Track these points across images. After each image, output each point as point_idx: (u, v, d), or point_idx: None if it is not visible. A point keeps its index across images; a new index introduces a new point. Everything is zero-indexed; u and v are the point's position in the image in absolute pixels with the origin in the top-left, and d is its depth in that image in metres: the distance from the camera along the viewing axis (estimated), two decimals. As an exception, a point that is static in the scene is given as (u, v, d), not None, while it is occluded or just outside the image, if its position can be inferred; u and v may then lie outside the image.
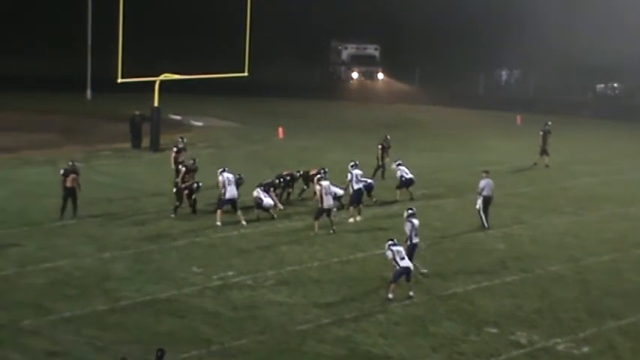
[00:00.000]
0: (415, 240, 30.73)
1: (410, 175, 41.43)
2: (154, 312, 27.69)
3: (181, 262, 32.17)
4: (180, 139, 43.77)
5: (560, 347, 26.41)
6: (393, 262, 29.15)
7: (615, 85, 79.44)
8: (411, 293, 29.13)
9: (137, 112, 52.03)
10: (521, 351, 26.12)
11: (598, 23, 77.16)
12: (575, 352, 26.21)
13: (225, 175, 37.04)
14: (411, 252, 30.49)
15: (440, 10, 79.47)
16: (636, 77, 76.65)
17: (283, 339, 26.15)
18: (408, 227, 31.09)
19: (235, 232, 35.80)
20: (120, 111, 55.99)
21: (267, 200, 37.59)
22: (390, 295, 28.95)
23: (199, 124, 61.18)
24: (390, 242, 29.38)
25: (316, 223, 35.94)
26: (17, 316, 26.97)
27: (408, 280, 29.06)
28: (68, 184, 36.54)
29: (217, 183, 37.18)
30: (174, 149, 42.38)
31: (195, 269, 31.45)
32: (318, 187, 36.17)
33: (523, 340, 26.74)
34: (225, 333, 26.34)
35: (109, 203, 39.38)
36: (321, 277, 31.20)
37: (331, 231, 35.82)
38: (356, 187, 38.31)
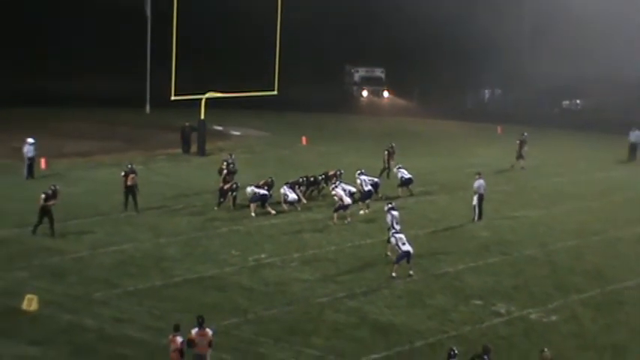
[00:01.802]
0: (397, 227, 30.79)
1: (409, 175, 41.40)
2: (200, 287, 27.76)
3: (223, 246, 32.22)
4: (229, 155, 42.66)
5: (533, 316, 26.38)
6: (396, 247, 29.20)
7: (578, 101, 79.03)
8: (411, 272, 29.15)
9: (187, 124, 52.02)
10: (501, 319, 26.12)
11: (562, 49, 76.86)
12: (545, 320, 26.19)
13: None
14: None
15: (434, 39, 79.23)
16: (596, 94, 76.30)
17: (306, 309, 26.18)
18: (388, 218, 31.49)
19: (267, 222, 35.81)
20: (173, 122, 55.99)
21: (292, 195, 37.57)
22: (394, 274, 28.98)
23: (237, 133, 61.15)
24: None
25: (335, 215, 35.99)
26: (90, 289, 27.11)
27: (408, 262, 29.10)
28: (128, 183, 36.49)
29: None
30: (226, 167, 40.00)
31: (234, 252, 31.50)
32: (337, 191, 36.32)
33: (502, 311, 26.73)
34: (259, 304, 26.39)
35: (163, 198, 39.44)
36: (337, 259, 31.21)
37: (346, 221, 35.85)
38: (367, 188, 38.30)
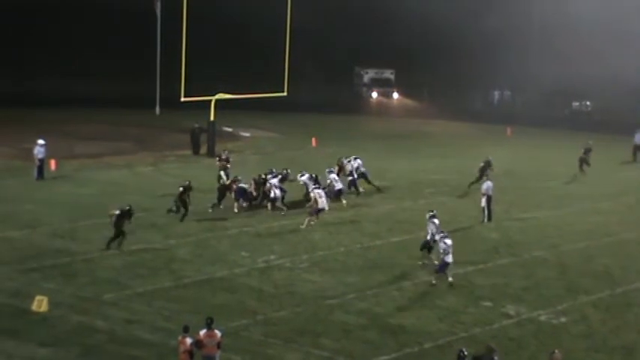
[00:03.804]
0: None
1: (362, 170, 41.72)
2: (210, 288, 27.79)
3: (232, 247, 32.24)
4: (223, 151, 43.73)
5: (542, 318, 26.34)
6: (441, 257, 28.54)
7: (587, 103, 78.82)
8: (450, 279, 28.50)
9: (196, 125, 52.08)
10: (510, 321, 26.08)
11: (570, 51, 76.67)
12: (554, 321, 26.14)
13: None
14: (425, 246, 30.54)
15: (443, 41, 79.00)
16: (605, 96, 76.12)
17: (315, 310, 26.18)
18: (431, 227, 30.58)
19: (276, 224, 35.81)
20: (182, 124, 56.06)
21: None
22: (434, 281, 28.48)
23: (247, 134, 61.19)
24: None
25: (307, 220, 35.17)
26: (100, 290, 27.15)
27: (443, 272, 28.53)
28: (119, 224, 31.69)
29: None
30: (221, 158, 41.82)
31: (243, 254, 31.52)
32: (315, 193, 35.74)
33: (512, 312, 26.70)
34: (268, 305, 26.40)
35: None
36: (347, 260, 31.20)
37: (312, 223, 35.17)
38: (338, 186, 38.72)
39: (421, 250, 30.81)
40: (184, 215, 35.31)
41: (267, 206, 37.67)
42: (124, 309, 25.69)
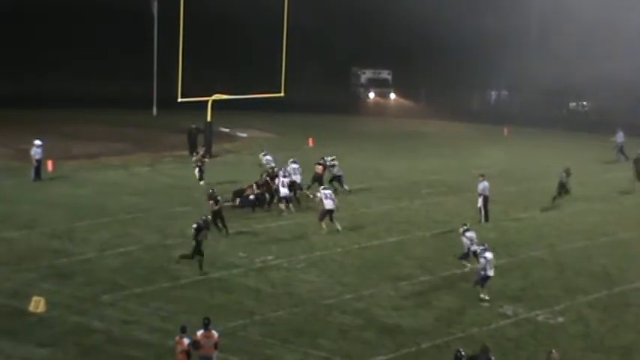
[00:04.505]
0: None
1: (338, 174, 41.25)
2: (207, 289, 27.77)
3: (230, 248, 32.21)
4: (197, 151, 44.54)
5: (540, 318, 26.35)
6: (482, 272, 27.53)
7: (585, 103, 78.80)
8: (487, 297, 27.47)
9: (193, 126, 51.98)
10: (508, 321, 26.10)
11: (567, 51, 76.68)
12: (552, 321, 26.15)
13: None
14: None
15: (440, 41, 78.93)
16: (602, 96, 76.12)
17: (313, 311, 26.18)
18: (465, 242, 29.84)
19: (273, 224, 35.80)
20: (180, 124, 55.99)
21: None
22: (482, 295, 27.45)
23: (244, 135, 61.12)
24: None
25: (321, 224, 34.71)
26: (98, 291, 27.14)
27: (482, 286, 27.64)
28: (199, 239, 29.62)
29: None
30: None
31: (241, 254, 31.50)
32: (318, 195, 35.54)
33: (509, 312, 26.71)
34: (266, 306, 26.40)
35: (170, 200, 39.43)
36: (344, 261, 31.19)
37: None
38: (284, 192, 37.57)
39: (459, 259, 30.51)
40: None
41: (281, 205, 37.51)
42: (122, 309, 25.67)
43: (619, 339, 25.06)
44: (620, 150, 54.22)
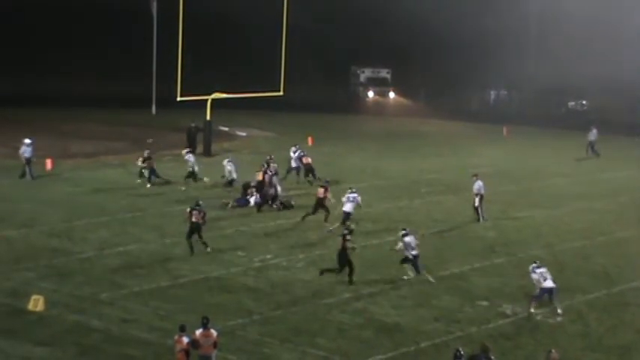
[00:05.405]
0: (414, 252, 28.70)
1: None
2: (206, 287, 27.76)
3: (229, 247, 32.20)
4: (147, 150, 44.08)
5: (539, 317, 26.30)
6: (538, 284, 26.52)
7: (583, 102, 78.85)
8: (559, 311, 26.41)
9: (192, 124, 51.97)
10: (507, 320, 26.06)
11: (566, 50, 76.72)
12: (551, 321, 26.10)
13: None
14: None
15: (439, 40, 79.01)
16: (601, 95, 76.16)
17: (312, 310, 26.15)
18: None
19: (272, 223, 35.78)
20: (179, 123, 55.98)
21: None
22: (532, 310, 26.49)
23: (243, 134, 61.13)
24: (534, 265, 26.80)
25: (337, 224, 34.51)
26: (97, 289, 27.11)
27: (550, 299, 26.56)
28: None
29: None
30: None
31: (239, 253, 31.48)
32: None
33: (508, 312, 26.67)
34: (264, 305, 26.37)
35: (169, 199, 39.40)
36: (343, 260, 31.09)
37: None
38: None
39: (401, 263, 29.95)
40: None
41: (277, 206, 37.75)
42: (121, 308, 25.65)
43: (618, 338, 25.03)
44: (591, 147, 54.35)
